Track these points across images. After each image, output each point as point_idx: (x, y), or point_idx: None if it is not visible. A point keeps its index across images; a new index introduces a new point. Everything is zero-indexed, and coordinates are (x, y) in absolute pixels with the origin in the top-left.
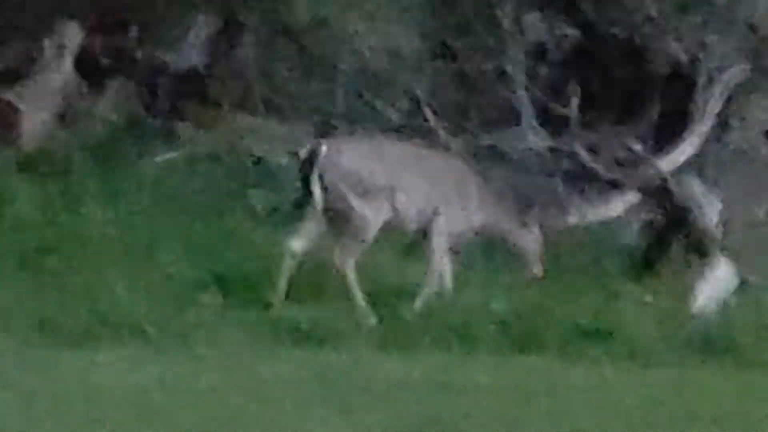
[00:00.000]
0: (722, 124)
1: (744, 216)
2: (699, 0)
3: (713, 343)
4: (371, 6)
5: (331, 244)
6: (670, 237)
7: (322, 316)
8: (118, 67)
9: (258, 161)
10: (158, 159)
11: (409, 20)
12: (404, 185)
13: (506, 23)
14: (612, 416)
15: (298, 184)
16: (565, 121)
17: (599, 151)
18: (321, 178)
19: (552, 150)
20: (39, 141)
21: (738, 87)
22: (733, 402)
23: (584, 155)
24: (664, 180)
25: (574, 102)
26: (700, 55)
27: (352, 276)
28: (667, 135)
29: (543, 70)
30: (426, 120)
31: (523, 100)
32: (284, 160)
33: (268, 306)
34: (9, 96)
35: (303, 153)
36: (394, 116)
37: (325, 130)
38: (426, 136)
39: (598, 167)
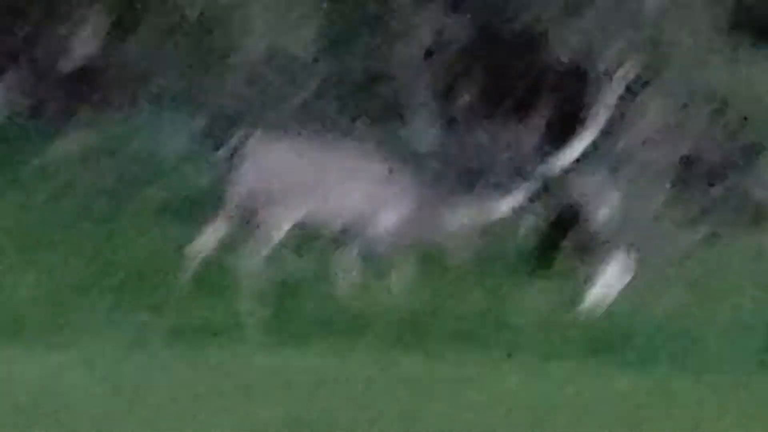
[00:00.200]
0: (618, 119)
1: (638, 211)
2: None
3: (606, 339)
4: (264, 1)
5: (232, 241)
6: (564, 233)
7: (212, 312)
8: (11, 60)
9: (150, 155)
10: (52, 153)
11: (306, 14)
12: (327, 184)
13: (399, 18)
14: (502, 414)
15: (220, 177)
16: (458, 116)
17: (494, 146)
18: (243, 173)
19: (445, 146)
20: None
21: (632, 84)
22: (624, 399)
23: (478, 150)
24: (559, 175)
25: (468, 97)
26: (595, 52)
27: (248, 275)
28: (560, 132)
29: (437, 65)
30: (321, 113)
31: (416, 95)
32: (178, 156)
33: (162, 305)
34: None
35: (227, 147)
36: (286, 112)
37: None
38: (317, 132)
39: (493, 162)
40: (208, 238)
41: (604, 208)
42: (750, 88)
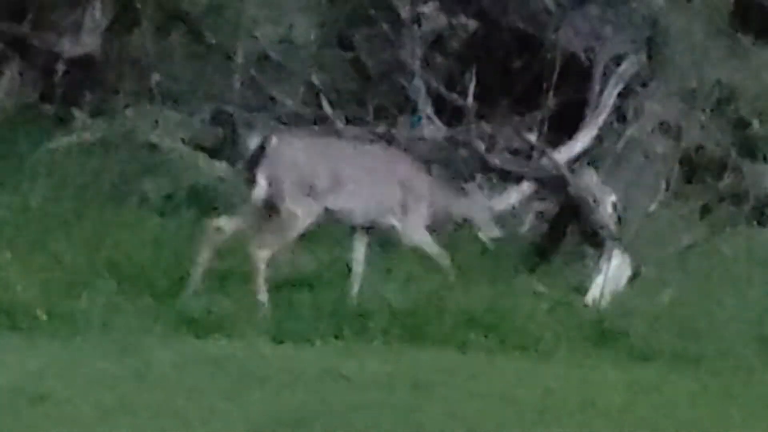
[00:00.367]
0: (618, 116)
1: (638, 207)
2: None
3: (606, 333)
4: None
5: (250, 235)
6: (564, 228)
7: (216, 304)
8: (13, 53)
9: (152, 148)
10: (52, 145)
11: (306, 9)
12: (350, 183)
13: (403, 13)
14: (505, 406)
15: (245, 174)
16: (460, 111)
17: (495, 142)
18: (267, 170)
19: (448, 140)
20: None
21: (633, 79)
22: (625, 393)
23: (479, 145)
24: (559, 171)
25: (470, 92)
26: (596, 47)
27: (262, 268)
28: (562, 126)
29: (439, 60)
30: (322, 108)
31: (419, 89)
32: (179, 148)
33: (164, 296)
34: None
35: (252, 144)
36: (291, 104)
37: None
38: (322, 124)
39: (494, 158)
40: (230, 220)
41: (606, 202)
42: (751, 84)
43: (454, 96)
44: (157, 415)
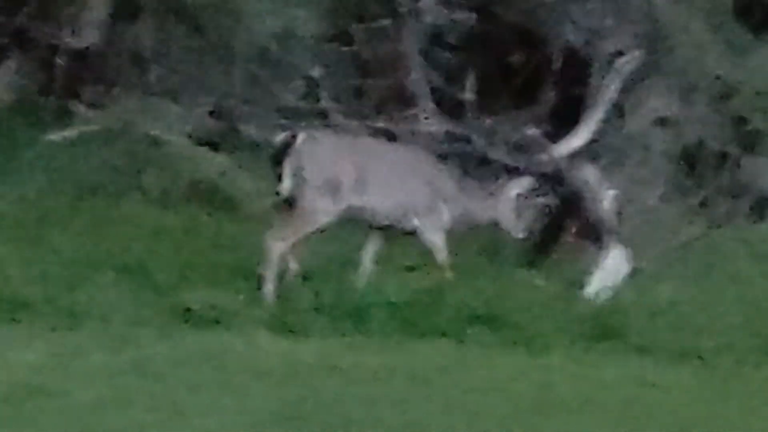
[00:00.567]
0: (617, 110)
1: (637, 203)
2: None
3: (605, 328)
4: None
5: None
6: (564, 223)
7: (215, 297)
8: (13, 46)
9: (152, 141)
10: (52, 137)
11: (306, 2)
12: (375, 181)
13: (402, 6)
14: (503, 401)
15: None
16: (460, 105)
17: (494, 136)
18: (292, 166)
19: (447, 134)
20: None
21: (633, 74)
22: (623, 387)
23: (479, 140)
24: (559, 165)
25: (470, 86)
26: (596, 41)
27: (274, 261)
28: (562, 121)
29: (439, 54)
30: (321, 102)
31: (419, 83)
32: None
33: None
34: None
35: (279, 140)
36: (290, 98)
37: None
38: (321, 118)
39: (493, 152)
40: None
41: (605, 197)
42: (751, 79)
43: (454, 90)
44: (156, 408)
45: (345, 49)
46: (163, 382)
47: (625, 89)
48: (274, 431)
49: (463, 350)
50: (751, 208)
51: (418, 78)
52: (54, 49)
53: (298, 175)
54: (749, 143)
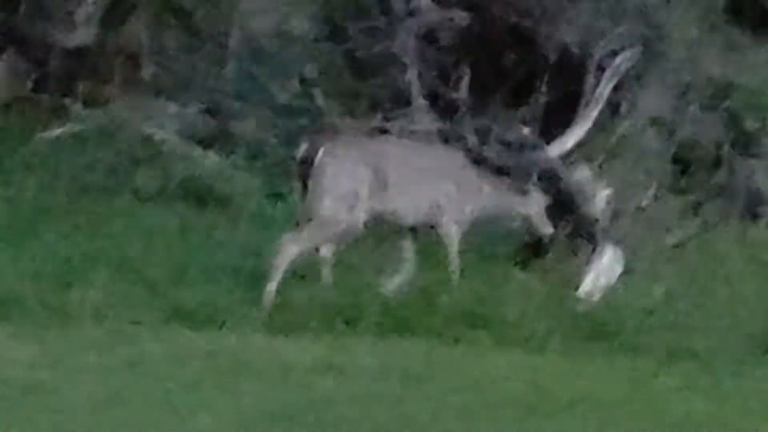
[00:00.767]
0: (611, 110)
1: (630, 203)
2: None
3: (598, 328)
4: None
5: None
6: (557, 223)
7: (209, 295)
8: (6, 44)
9: (146, 140)
10: (45, 136)
11: (300, 1)
12: (397, 184)
13: (397, 5)
14: (497, 400)
15: (297, 184)
16: (454, 104)
17: (488, 135)
18: (313, 180)
19: (441, 133)
20: None
21: (628, 73)
22: (617, 387)
23: (473, 139)
24: (553, 165)
25: (464, 85)
26: (591, 41)
27: (284, 263)
28: (556, 120)
29: (433, 53)
30: (315, 101)
31: (412, 82)
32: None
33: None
34: None
35: (300, 153)
36: (284, 96)
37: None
38: (316, 117)
39: (487, 151)
40: None
41: (599, 197)
42: (746, 79)
43: (448, 89)
44: (150, 407)
45: (339, 47)
46: (157, 381)
47: (620, 89)
48: (268, 430)
49: (457, 349)
50: (745, 209)
51: (412, 77)
52: (48, 47)
53: (318, 190)
54: (743, 143)
